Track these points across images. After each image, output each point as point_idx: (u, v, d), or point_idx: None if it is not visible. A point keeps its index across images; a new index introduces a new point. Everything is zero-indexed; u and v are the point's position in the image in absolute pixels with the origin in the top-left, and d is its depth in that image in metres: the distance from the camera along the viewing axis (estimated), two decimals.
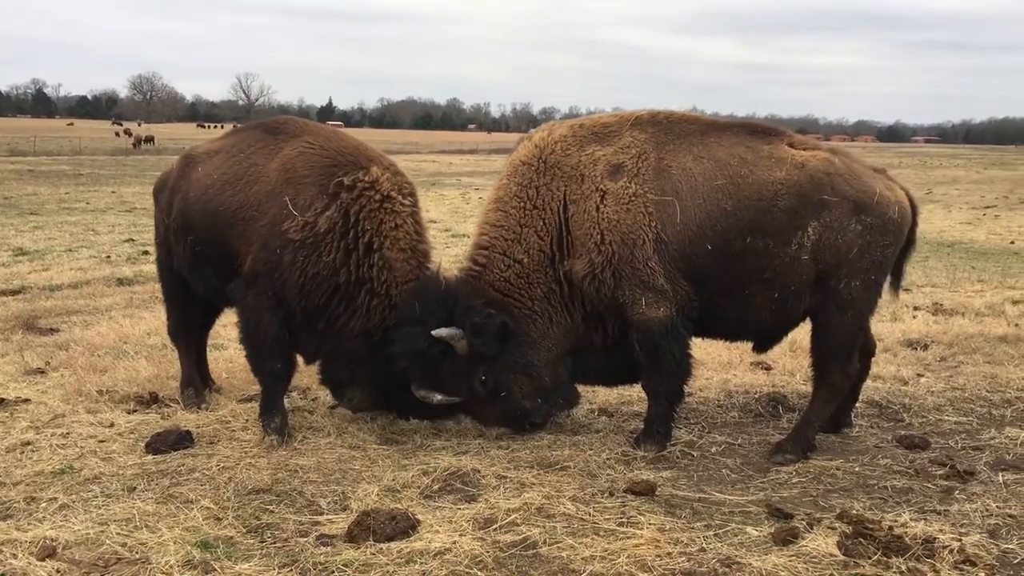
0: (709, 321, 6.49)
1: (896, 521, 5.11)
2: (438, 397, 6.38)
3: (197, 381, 7.46)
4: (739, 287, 6.31)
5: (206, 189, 6.89)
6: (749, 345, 7.01)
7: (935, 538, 4.87)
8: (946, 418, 7.30)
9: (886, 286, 6.70)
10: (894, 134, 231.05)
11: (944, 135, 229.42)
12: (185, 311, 7.51)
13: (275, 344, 6.58)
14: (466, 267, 6.65)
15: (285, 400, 6.95)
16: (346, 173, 6.56)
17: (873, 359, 7.27)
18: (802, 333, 6.94)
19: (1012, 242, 19.86)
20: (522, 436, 6.62)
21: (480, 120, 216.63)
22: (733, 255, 6.22)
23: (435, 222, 22.33)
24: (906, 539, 4.83)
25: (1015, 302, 12.14)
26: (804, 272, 6.25)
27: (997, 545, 4.87)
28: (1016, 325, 10.53)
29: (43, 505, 5.25)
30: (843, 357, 6.39)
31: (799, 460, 6.21)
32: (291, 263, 6.42)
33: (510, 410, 6.52)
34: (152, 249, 16.68)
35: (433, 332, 6.16)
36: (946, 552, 4.72)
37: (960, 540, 4.86)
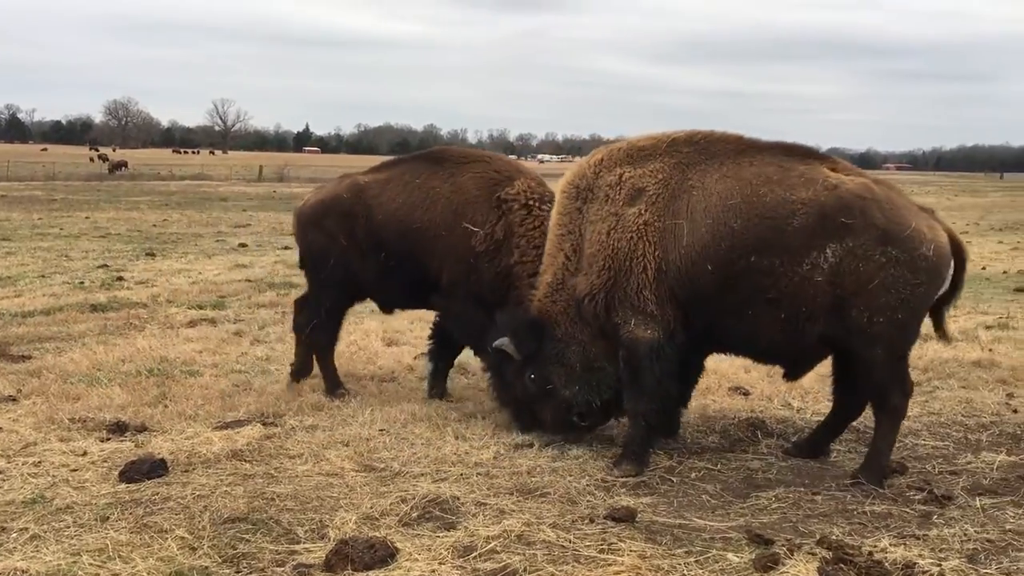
0: (720, 337, 6.62)
1: (876, 546, 5.12)
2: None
3: (340, 381, 8.48)
4: (742, 306, 6.26)
5: (395, 211, 8.07)
6: (776, 369, 7.21)
7: (914, 563, 4.88)
8: (922, 443, 7.35)
9: (931, 331, 6.70)
10: (866, 161, 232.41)
11: (915, 162, 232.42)
12: (340, 325, 8.62)
13: (480, 325, 7.55)
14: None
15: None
16: (503, 188, 7.86)
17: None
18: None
19: (983, 268, 20.06)
20: (576, 439, 7.04)
21: (457, 146, 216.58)
22: (736, 274, 6.19)
23: None
24: (886, 564, 4.84)
25: (988, 327, 12.25)
26: (818, 294, 6.13)
27: (976, 570, 4.88)
28: (990, 350, 10.63)
29: (13, 536, 5.14)
30: (894, 382, 6.29)
31: (878, 488, 6.13)
32: (483, 269, 7.77)
33: (557, 403, 6.92)
34: (126, 276, 16.43)
35: (494, 344, 7.04)
36: None
37: (940, 565, 4.87)
